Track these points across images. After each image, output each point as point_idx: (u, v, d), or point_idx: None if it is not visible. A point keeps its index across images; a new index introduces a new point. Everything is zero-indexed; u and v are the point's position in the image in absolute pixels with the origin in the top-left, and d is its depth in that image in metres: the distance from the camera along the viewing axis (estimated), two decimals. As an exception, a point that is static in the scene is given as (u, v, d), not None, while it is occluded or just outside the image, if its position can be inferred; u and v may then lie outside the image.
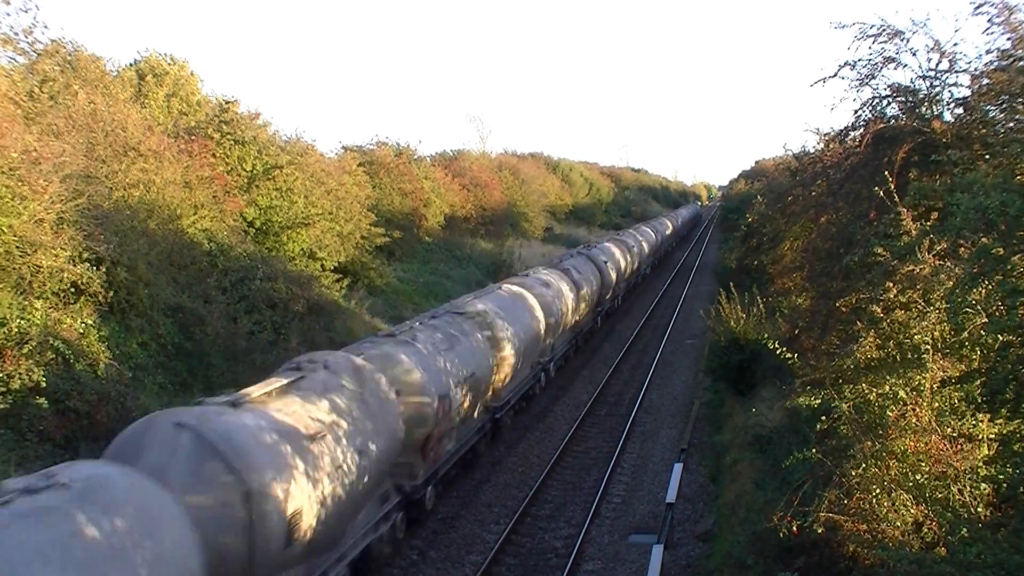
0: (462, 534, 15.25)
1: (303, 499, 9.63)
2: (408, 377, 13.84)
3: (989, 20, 12.83)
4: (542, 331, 22.44)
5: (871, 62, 14.75)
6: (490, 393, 18.61)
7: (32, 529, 6.48)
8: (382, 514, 13.12)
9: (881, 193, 10.93)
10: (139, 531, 7.18)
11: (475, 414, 17.78)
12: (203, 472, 8.81)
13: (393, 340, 14.62)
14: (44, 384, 12.78)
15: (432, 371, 14.56)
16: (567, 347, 27.82)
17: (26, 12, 17.09)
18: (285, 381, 10.95)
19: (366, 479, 11.48)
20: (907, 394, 8.74)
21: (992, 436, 8.39)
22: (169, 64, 26.55)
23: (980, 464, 8.26)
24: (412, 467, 14.21)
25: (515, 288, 22.33)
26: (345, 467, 10.79)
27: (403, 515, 14.04)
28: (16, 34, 17.40)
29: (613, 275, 34.56)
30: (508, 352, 18.95)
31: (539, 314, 22.29)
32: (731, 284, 24.00)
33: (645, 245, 48.04)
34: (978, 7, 12.85)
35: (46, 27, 18.56)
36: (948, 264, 9.45)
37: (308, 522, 9.77)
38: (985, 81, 13.26)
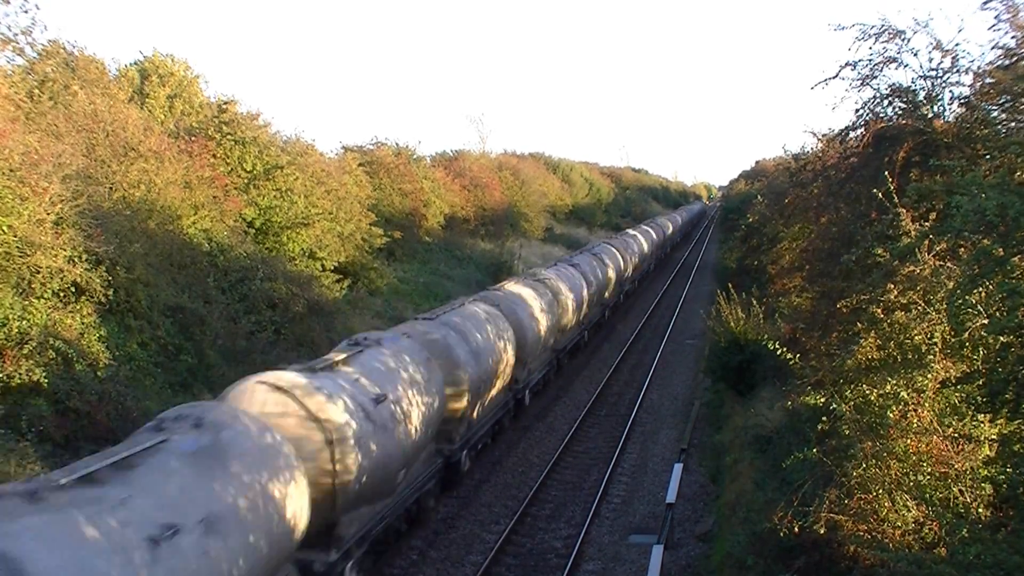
0: (462, 534, 15.25)
1: (370, 449, 11.43)
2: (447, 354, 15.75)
3: (996, 16, 12.80)
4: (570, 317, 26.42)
5: (872, 62, 14.73)
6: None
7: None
8: (429, 472, 15.03)
9: (880, 195, 10.93)
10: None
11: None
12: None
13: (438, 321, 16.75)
14: (44, 384, 12.79)
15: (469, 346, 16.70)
16: (589, 325, 31.89)
17: (25, 12, 17.07)
18: (348, 354, 12.85)
19: (417, 437, 13.39)
20: (908, 395, 8.75)
21: (992, 437, 8.40)
22: (171, 64, 26.55)
23: (980, 465, 8.27)
24: (451, 433, 16.11)
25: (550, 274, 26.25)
26: (402, 427, 12.73)
27: (443, 475, 15.87)
28: (16, 35, 17.39)
29: (616, 273, 37.01)
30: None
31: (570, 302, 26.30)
32: (731, 284, 24.02)
33: (648, 241, 51.68)
34: (986, 2, 12.80)
35: (45, 27, 18.56)
36: (948, 265, 9.45)
37: (374, 469, 11.55)
38: (988, 80, 13.23)
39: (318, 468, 10.71)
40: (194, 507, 8.04)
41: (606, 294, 34.62)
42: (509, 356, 19.29)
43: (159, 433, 8.87)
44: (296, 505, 9.63)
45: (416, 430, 13.33)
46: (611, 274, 35.35)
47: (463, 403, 16.01)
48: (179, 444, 8.67)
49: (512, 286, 22.37)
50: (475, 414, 17.32)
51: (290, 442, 10.01)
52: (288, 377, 11.07)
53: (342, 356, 12.63)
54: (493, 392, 18.51)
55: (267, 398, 10.78)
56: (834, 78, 15.16)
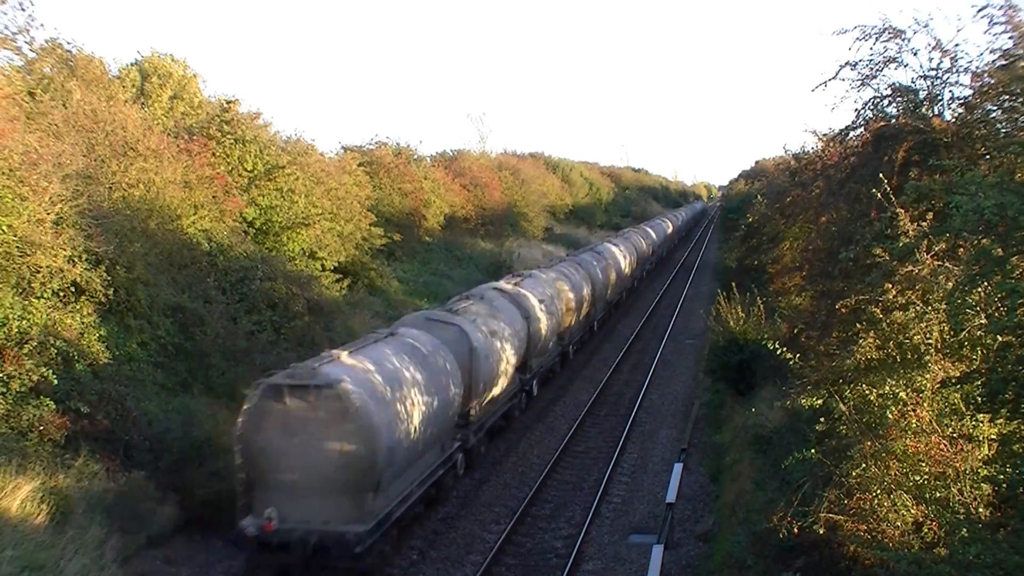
0: (462, 534, 15.25)
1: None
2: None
3: (991, 21, 12.82)
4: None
5: (872, 62, 14.73)
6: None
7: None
8: (515, 390, 21.20)
9: (879, 194, 10.93)
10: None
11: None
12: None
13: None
14: (44, 384, 12.78)
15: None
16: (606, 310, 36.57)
17: (23, 11, 17.02)
18: (469, 302, 19.72)
19: (506, 366, 19.71)
20: (907, 395, 8.75)
21: (992, 436, 8.41)
22: (171, 64, 26.54)
23: (980, 464, 8.28)
24: (526, 367, 22.09)
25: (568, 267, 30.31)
26: (501, 354, 19.14)
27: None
28: (14, 33, 17.35)
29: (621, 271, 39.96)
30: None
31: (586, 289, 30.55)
32: (731, 284, 24.02)
33: (648, 241, 54.27)
34: (980, 10, 12.83)
35: (41, 25, 18.54)
36: (947, 265, 9.45)
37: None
38: (987, 80, 13.23)
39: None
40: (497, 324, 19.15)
41: (611, 285, 36.80)
42: (571, 302, 27.20)
43: (468, 298, 20.04)
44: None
45: (507, 360, 19.54)
46: (623, 262, 39.90)
47: (536, 346, 22.57)
48: (480, 300, 20.07)
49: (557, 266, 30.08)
50: (540, 355, 23.76)
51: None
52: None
53: (464, 304, 19.48)
54: (552, 342, 24.98)
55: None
56: (834, 79, 15.17)
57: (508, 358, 19.81)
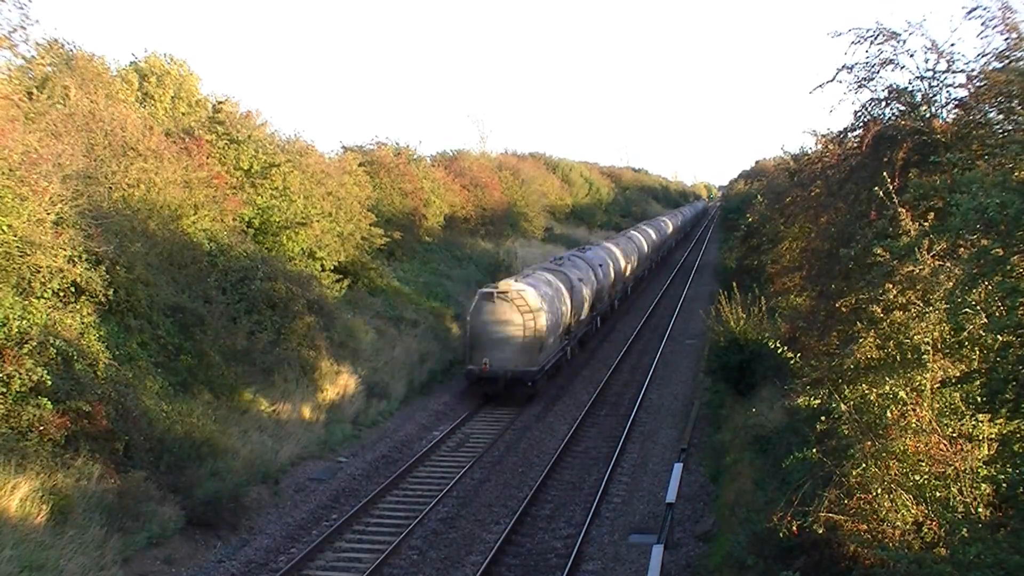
0: (462, 534, 15.26)
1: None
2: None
3: (983, 23, 12.83)
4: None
5: (868, 65, 14.73)
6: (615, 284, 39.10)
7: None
8: (591, 318, 32.18)
9: (881, 193, 10.93)
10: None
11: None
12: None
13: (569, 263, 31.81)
14: (44, 384, 12.77)
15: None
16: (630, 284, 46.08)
17: (20, 9, 16.94)
18: (568, 257, 31.50)
19: (585, 304, 28.95)
20: (907, 394, 8.75)
21: (992, 436, 8.40)
22: (169, 64, 26.51)
23: (980, 464, 8.27)
24: (598, 302, 33.21)
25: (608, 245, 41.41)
26: (582, 294, 28.94)
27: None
28: (12, 31, 17.29)
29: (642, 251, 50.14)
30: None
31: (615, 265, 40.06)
32: (731, 284, 24.03)
33: (658, 233, 62.43)
34: (971, 11, 12.84)
35: (37, 21, 18.44)
36: (947, 264, 9.45)
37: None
38: (983, 81, 13.24)
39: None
40: (583, 274, 30.46)
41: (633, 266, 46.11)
42: (622, 264, 40.40)
43: (562, 258, 32.18)
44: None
45: (586, 299, 29.74)
46: (646, 245, 51.22)
47: (603, 291, 34.50)
48: (569, 260, 31.51)
49: (606, 244, 41.82)
50: (605, 298, 35.45)
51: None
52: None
53: (563, 260, 31.03)
54: (606, 294, 36.09)
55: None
56: (830, 82, 15.17)
57: (587, 297, 30.77)
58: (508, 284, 24.38)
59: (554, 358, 25.71)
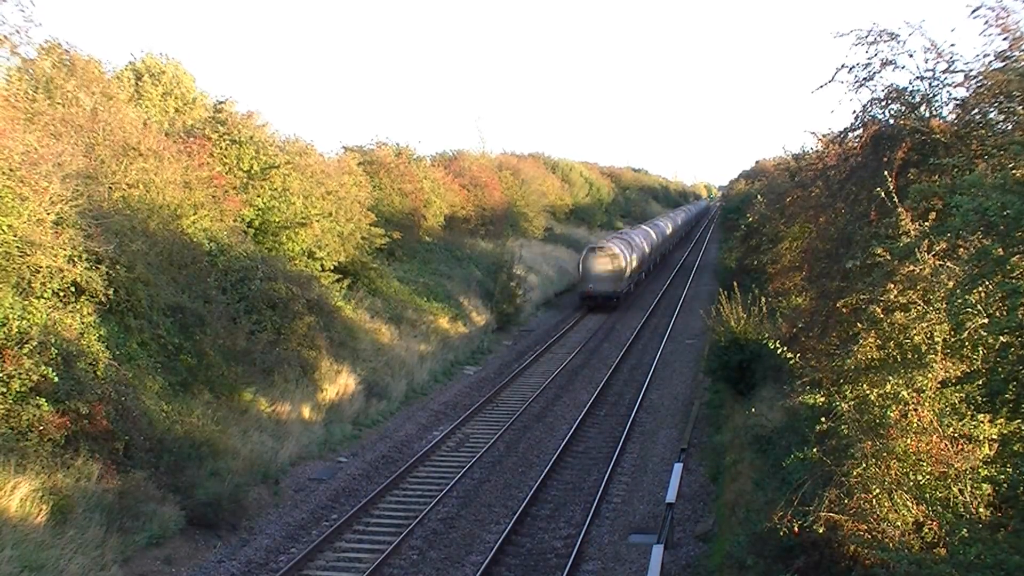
0: (462, 534, 15.26)
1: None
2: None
3: (986, 22, 12.80)
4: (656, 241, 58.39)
5: (868, 66, 14.72)
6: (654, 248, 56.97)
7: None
8: (645, 269, 52.24)
9: (882, 194, 10.92)
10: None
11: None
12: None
13: (641, 228, 57.09)
14: (44, 384, 12.77)
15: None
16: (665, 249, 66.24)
17: (22, 12, 16.95)
18: (632, 228, 57.71)
19: (641, 261, 48.33)
20: (908, 394, 8.74)
21: (992, 436, 8.39)
22: (164, 63, 26.49)
23: (980, 464, 8.27)
24: (644, 261, 50.32)
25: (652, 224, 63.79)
26: (641, 251, 48.66)
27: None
28: (14, 32, 17.28)
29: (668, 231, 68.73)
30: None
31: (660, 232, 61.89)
32: (731, 284, 24.03)
33: (678, 221, 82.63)
34: (975, 11, 12.82)
35: (40, 24, 18.39)
36: (948, 265, 9.44)
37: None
38: (983, 82, 13.22)
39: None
40: (640, 240, 51.01)
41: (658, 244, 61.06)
42: (654, 241, 56.59)
43: (629, 228, 60.66)
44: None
45: (641, 255, 47.54)
46: (668, 230, 68.14)
47: (653, 250, 54.97)
48: (632, 230, 56.07)
49: (642, 227, 59.09)
50: (647, 261, 51.88)
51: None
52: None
53: (630, 229, 56.29)
54: (649, 256, 52.41)
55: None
56: (831, 82, 15.16)
57: (639, 257, 46.75)
58: (603, 242, 43.71)
59: (625, 287, 42.87)
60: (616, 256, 41.34)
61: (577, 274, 43.50)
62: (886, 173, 11.52)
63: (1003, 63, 12.78)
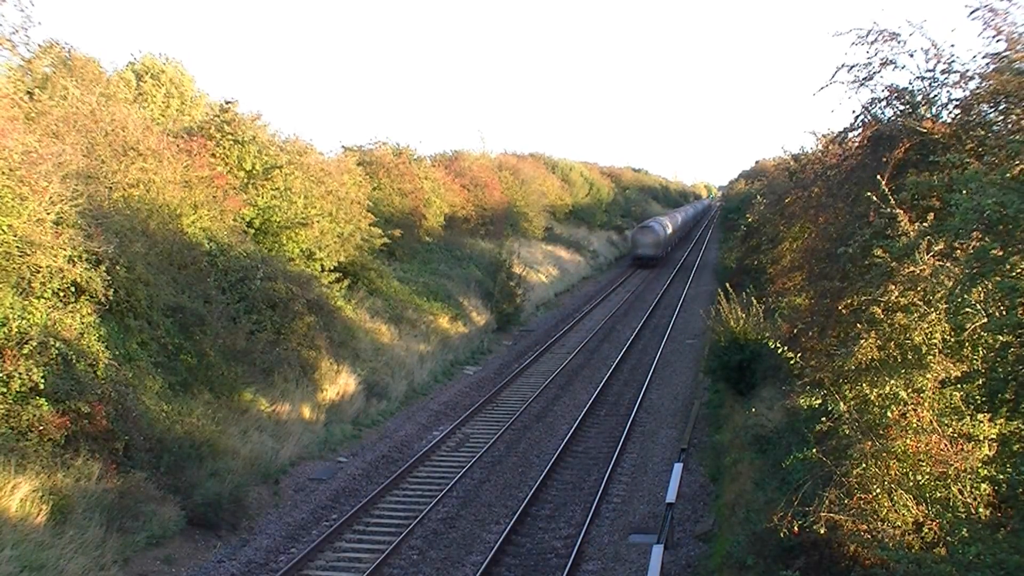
0: (462, 534, 15.26)
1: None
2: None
3: (985, 23, 12.82)
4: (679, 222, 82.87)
5: (868, 65, 14.73)
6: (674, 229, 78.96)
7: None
8: (675, 242, 77.72)
9: (875, 198, 10.93)
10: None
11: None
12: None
13: (668, 215, 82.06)
14: (44, 384, 12.77)
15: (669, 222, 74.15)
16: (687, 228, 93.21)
17: (21, 11, 16.94)
18: (667, 215, 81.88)
19: (669, 237, 71.53)
20: (907, 394, 8.75)
21: (992, 436, 8.40)
22: (164, 63, 26.49)
23: (980, 464, 8.27)
24: (668, 242, 71.54)
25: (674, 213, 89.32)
26: (670, 229, 72.27)
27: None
28: (13, 32, 17.28)
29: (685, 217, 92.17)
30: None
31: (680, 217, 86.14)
32: (731, 284, 24.04)
33: (689, 213, 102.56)
34: (973, 12, 12.83)
35: (39, 23, 18.36)
36: (947, 265, 9.45)
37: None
38: (983, 83, 13.23)
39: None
40: (672, 220, 77.75)
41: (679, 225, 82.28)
42: (679, 222, 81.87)
43: (664, 213, 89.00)
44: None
45: (672, 229, 73.56)
46: (679, 219, 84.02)
47: (678, 228, 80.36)
48: (666, 214, 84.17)
49: (672, 212, 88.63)
50: (673, 237, 75.76)
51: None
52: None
53: (664, 213, 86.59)
54: (674, 232, 75.86)
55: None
56: (831, 83, 15.16)
57: (676, 226, 76.71)
58: (645, 223, 67.01)
59: (662, 252, 63.96)
60: (655, 231, 64.17)
61: (628, 242, 69.67)
62: (879, 175, 11.52)
63: (999, 64, 12.79)
